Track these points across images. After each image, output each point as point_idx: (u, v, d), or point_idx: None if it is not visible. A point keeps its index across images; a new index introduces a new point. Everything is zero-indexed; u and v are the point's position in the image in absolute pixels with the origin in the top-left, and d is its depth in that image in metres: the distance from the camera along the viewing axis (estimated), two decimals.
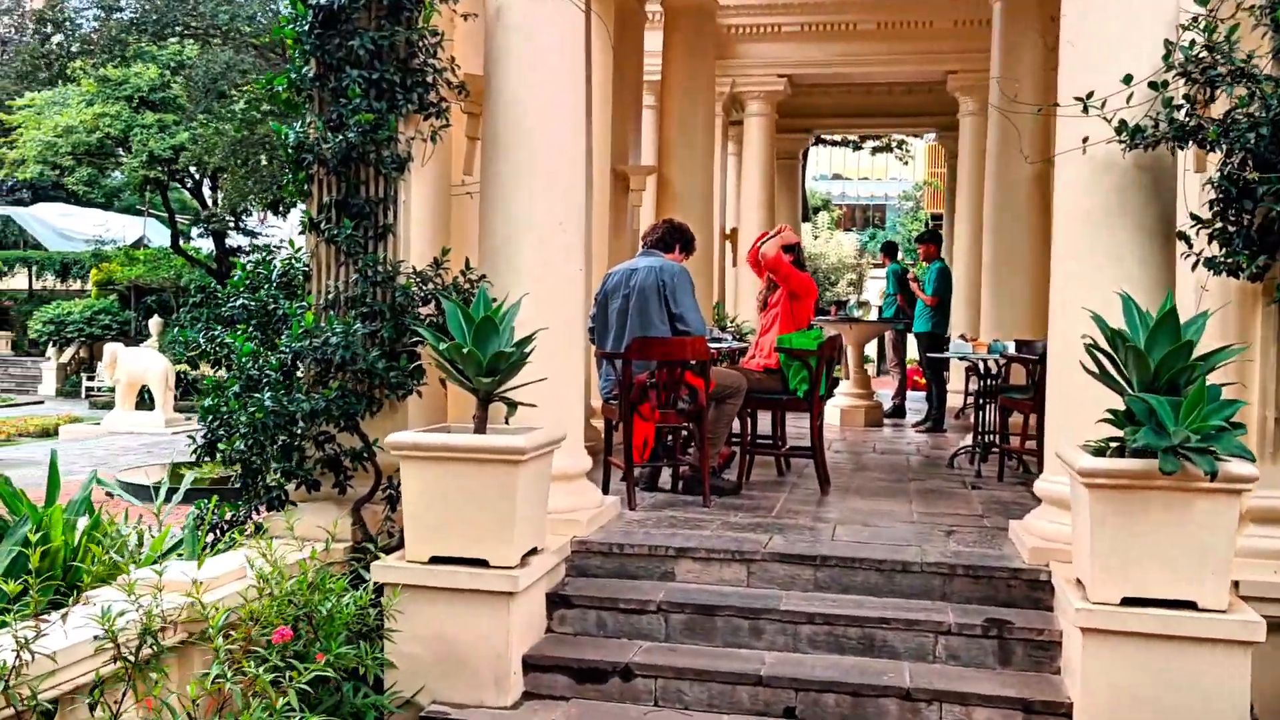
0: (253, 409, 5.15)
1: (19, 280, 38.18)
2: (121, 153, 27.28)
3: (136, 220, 35.14)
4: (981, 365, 8.75)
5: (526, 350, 4.87)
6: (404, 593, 4.75)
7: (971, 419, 9.56)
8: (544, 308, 5.52)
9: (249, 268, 5.86)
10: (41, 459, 17.57)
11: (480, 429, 4.93)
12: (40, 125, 26.48)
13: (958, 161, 15.22)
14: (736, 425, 7.22)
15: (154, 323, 25.93)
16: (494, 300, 5.06)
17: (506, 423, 5.13)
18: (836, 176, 56.39)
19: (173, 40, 20.01)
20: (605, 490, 6.64)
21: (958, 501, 6.99)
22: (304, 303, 5.65)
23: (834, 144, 34.21)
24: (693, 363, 6.44)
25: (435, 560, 4.83)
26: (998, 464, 8.09)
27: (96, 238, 32.25)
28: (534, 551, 5.04)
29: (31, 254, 38.27)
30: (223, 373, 5.65)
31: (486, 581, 4.74)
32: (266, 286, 5.75)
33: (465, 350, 4.71)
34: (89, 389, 28.06)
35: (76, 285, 36.41)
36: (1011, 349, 8.58)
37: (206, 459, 5.47)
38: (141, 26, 16.87)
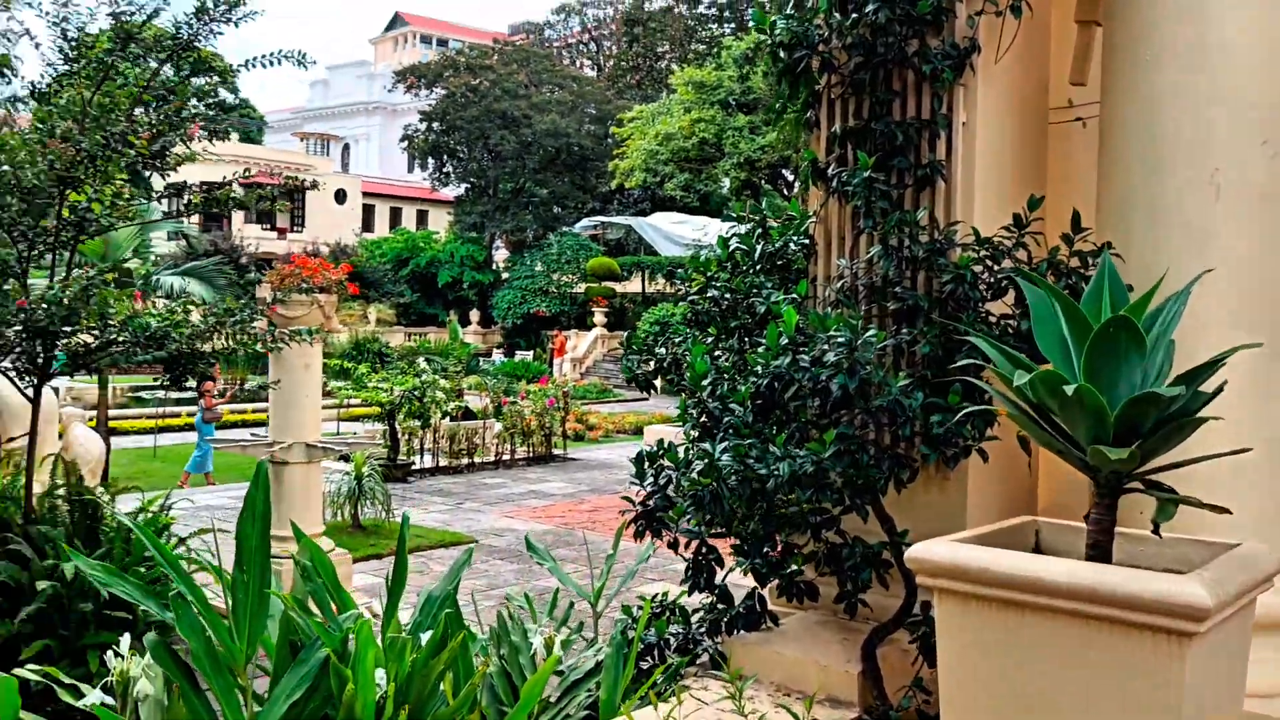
0: (699, 468, 3.12)
1: (635, 283, 41.13)
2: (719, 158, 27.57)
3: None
4: None
5: (1206, 390, 2.29)
6: None
7: None
8: (1241, 305, 2.87)
9: (728, 242, 3.87)
10: (614, 461, 17.57)
11: (1100, 545, 2.43)
12: (644, 135, 27.61)
13: None
14: None
15: None
16: (1130, 287, 2.54)
17: (1155, 531, 2.57)
18: None
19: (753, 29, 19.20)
20: None
21: None
22: (794, 294, 3.52)
23: None
24: None
25: None
26: None
27: (696, 242, 33.26)
28: None
29: (644, 259, 41.04)
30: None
31: None
32: (748, 269, 3.72)
33: (1071, 389, 2.25)
34: None
35: (684, 289, 38.21)
36: None
37: (648, 534, 3.55)
38: (723, 18, 16.01)
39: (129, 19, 5.80)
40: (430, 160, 45.08)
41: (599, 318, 37.55)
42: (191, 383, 6.99)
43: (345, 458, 10.98)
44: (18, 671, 2.86)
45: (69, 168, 5.57)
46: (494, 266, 44.09)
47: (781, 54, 3.51)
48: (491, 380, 21.94)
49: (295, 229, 48.25)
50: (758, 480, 3.08)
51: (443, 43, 73.45)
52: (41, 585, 5.56)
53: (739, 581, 3.68)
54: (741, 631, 3.45)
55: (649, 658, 3.48)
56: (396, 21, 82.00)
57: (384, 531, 10.84)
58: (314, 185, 7.32)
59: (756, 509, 3.22)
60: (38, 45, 5.67)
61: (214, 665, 2.62)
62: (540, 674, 3.03)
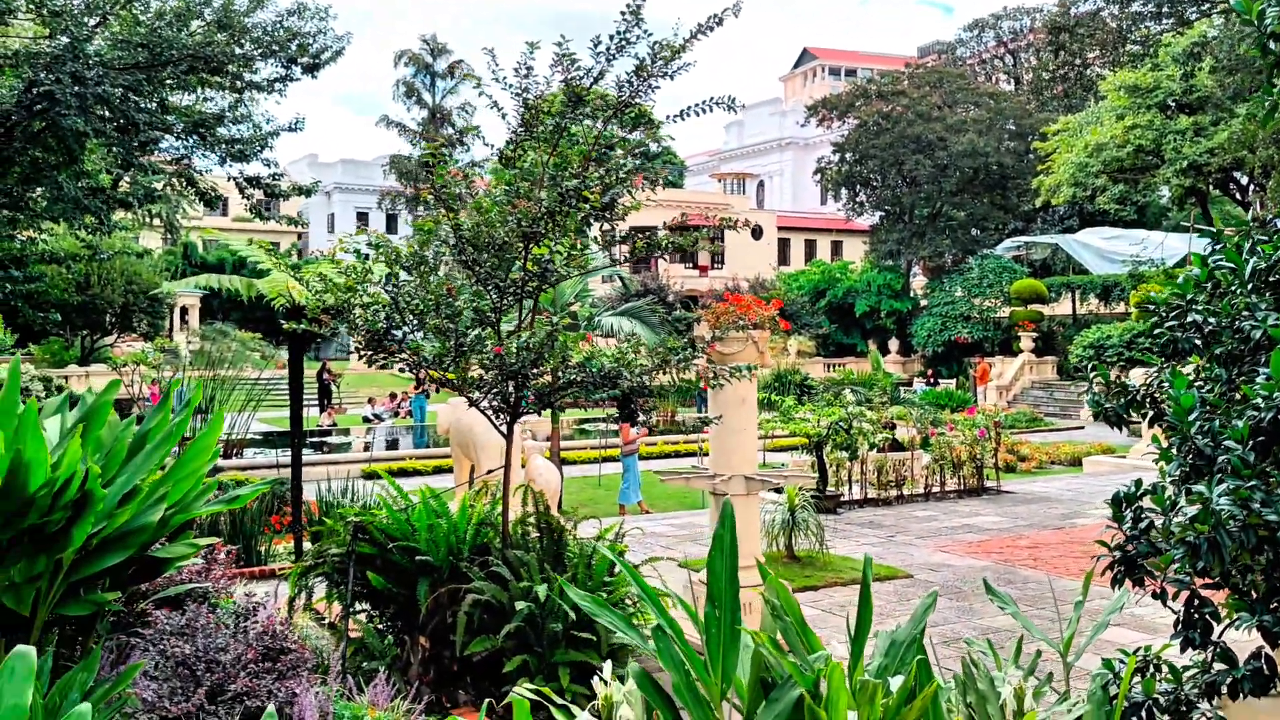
0: (1191, 513, 2.82)
1: (1064, 305, 38.72)
2: (1158, 165, 25.36)
3: (1178, 237, 32.82)
4: None
5: None
6: None
7: None
8: None
9: (1208, 260, 3.49)
10: (1053, 494, 16.44)
11: None
12: (1071, 147, 25.97)
13: None
14: None
15: None
16: None
17: None
18: None
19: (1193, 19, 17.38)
20: None
21: None
22: None
23: None
24: None
25: None
26: None
27: (1134, 257, 30.72)
28: None
29: (1074, 279, 38.56)
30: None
31: None
32: (1233, 288, 3.33)
33: None
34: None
35: (1120, 308, 35.51)
36: None
37: (1127, 582, 3.26)
38: (1160, 14, 14.71)
39: (577, 83, 6.32)
40: (843, 190, 45.29)
41: (1025, 342, 35.74)
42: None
43: (778, 489, 11.18)
44: (517, 690, 3.14)
45: (533, 224, 6.14)
46: (911, 294, 43.37)
47: (1273, 45, 3.12)
48: (917, 410, 21.48)
49: (716, 266, 50.35)
50: (1265, 527, 2.74)
51: (851, 73, 73.77)
52: (520, 606, 6.11)
53: (1238, 639, 3.28)
54: (1247, 697, 3.06)
55: (1135, 718, 3.18)
56: (805, 57, 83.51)
57: (818, 563, 10.89)
58: (741, 225, 7.55)
59: (1262, 559, 2.85)
60: (504, 115, 6.32)
61: (694, 698, 2.72)
62: None
